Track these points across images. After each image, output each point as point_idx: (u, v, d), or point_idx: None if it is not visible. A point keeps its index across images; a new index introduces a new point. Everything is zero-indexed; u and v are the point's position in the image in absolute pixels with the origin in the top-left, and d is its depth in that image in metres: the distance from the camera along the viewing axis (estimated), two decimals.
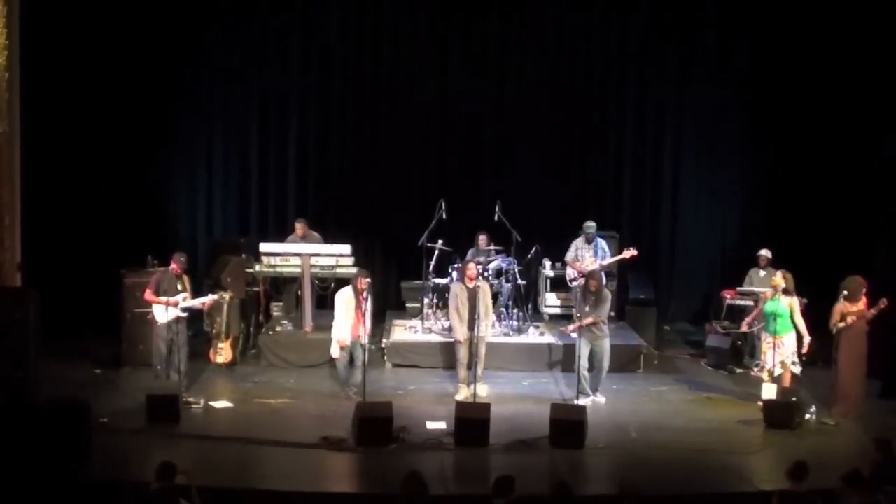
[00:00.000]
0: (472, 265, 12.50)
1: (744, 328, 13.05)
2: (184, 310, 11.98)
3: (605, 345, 12.18)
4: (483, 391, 12.13)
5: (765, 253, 14.22)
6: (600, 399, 12.21)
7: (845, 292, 11.46)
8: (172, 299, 11.83)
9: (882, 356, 12.46)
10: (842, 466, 8.40)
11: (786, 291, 11.74)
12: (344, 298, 12.02)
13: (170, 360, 11.90)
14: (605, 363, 12.20)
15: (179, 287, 11.99)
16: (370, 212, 16.52)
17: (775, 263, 13.86)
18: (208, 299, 12.64)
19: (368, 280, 11.97)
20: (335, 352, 12.04)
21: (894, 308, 11.45)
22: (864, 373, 11.64)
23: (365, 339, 11.90)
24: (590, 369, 12.21)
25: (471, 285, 12.28)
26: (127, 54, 15.26)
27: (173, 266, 12.03)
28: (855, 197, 14.77)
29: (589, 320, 11.96)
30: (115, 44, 15.15)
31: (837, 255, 14.05)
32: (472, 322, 12.12)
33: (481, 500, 8.11)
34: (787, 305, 11.72)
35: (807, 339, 11.71)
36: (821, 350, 12.23)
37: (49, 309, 12.12)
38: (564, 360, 13.44)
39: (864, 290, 11.49)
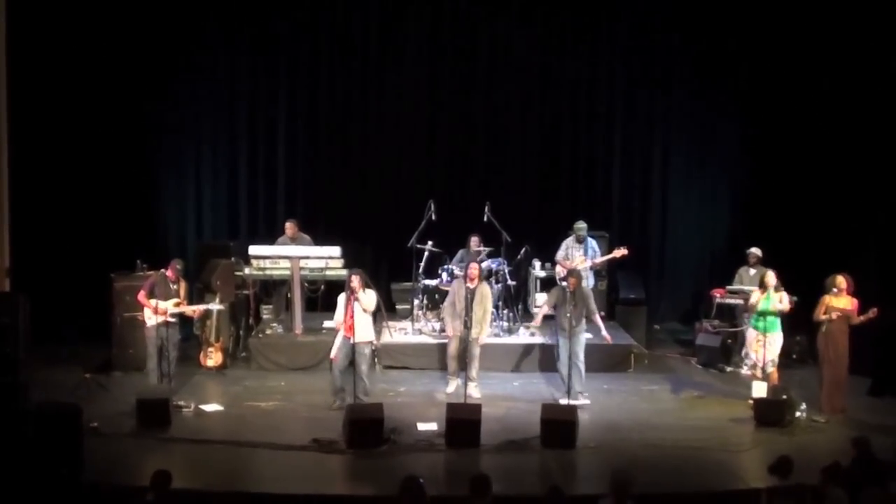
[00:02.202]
0: (474, 265, 12.47)
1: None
2: (174, 315, 11.99)
3: (582, 339, 12.11)
4: (475, 392, 12.17)
5: (755, 251, 14.23)
6: (584, 401, 11.99)
7: (834, 289, 11.49)
8: (161, 305, 11.83)
9: (870, 353, 12.52)
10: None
11: (776, 289, 11.80)
12: (341, 299, 11.87)
13: (159, 363, 11.90)
14: (581, 358, 12.01)
15: (174, 292, 12.02)
16: (360, 213, 16.53)
17: (765, 262, 13.91)
18: (201, 308, 12.68)
19: (357, 277, 11.67)
20: (333, 350, 11.90)
21: (883, 306, 11.48)
22: (845, 371, 11.64)
23: (357, 339, 11.64)
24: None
25: (471, 285, 12.25)
26: (115, 57, 15.26)
27: (168, 272, 12.07)
28: (844, 195, 14.76)
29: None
30: (103, 47, 15.14)
31: (826, 254, 14.08)
32: (466, 321, 12.11)
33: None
34: (776, 303, 11.77)
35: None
36: (809, 348, 12.26)
37: (39, 313, 12.11)
38: (554, 360, 13.40)
39: (848, 288, 11.51)
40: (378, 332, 12.86)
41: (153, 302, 11.88)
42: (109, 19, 15.15)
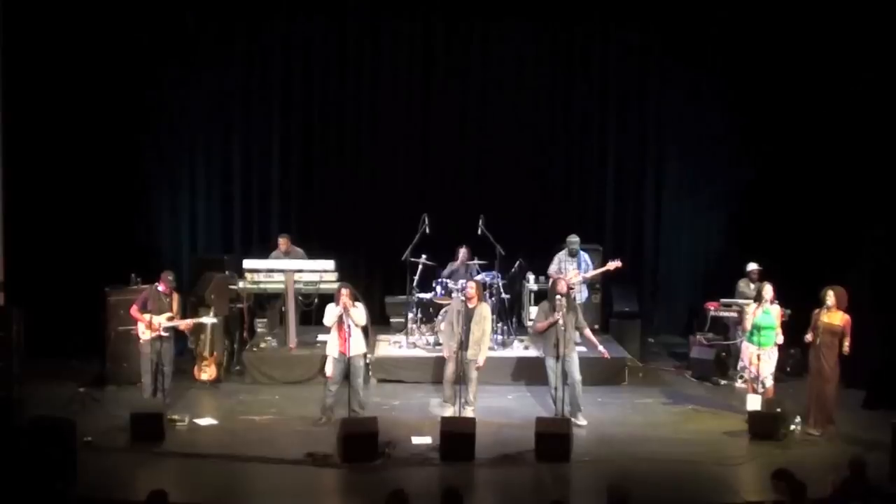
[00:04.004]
0: (471, 284, 12.22)
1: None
2: (166, 329, 11.98)
3: (575, 357, 11.83)
4: (472, 416, 11.62)
5: (756, 266, 14.24)
6: (581, 422, 11.74)
7: (828, 303, 11.48)
8: (155, 319, 11.82)
9: (865, 366, 12.53)
10: (826, 477, 8.46)
11: (772, 302, 11.82)
12: (330, 314, 11.82)
13: (154, 378, 11.88)
14: (577, 377, 11.75)
15: (167, 305, 12.02)
16: (353, 227, 16.52)
17: (759, 275, 13.94)
18: (191, 321, 12.65)
19: (346, 291, 11.62)
20: (328, 369, 11.87)
21: (877, 319, 11.49)
22: (834, 386, 11.55)
23: (351, 353, 11.53)
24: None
25: (470, 305, 11.98)
26: (108, 71, 15.24)
27: (161, 286, 12.05)
28: (838, 207, 14.77)
29: (554, 318, 11.53)
30: (96, 61, 15.12)
31: (821, 267, 14.08)
32: (463, 341, 11.83)
33: None
34: (775, 316, 11.79)
35: (779, 339, 11.85)
36: (803, 361, 12.27)
37: (33, 327, 12.08)
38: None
39: (840, 302, 11.45)
40: (371, 345, 12.81)
41: (146, 316, 11.87)
42: (103, 31, 15.14)
